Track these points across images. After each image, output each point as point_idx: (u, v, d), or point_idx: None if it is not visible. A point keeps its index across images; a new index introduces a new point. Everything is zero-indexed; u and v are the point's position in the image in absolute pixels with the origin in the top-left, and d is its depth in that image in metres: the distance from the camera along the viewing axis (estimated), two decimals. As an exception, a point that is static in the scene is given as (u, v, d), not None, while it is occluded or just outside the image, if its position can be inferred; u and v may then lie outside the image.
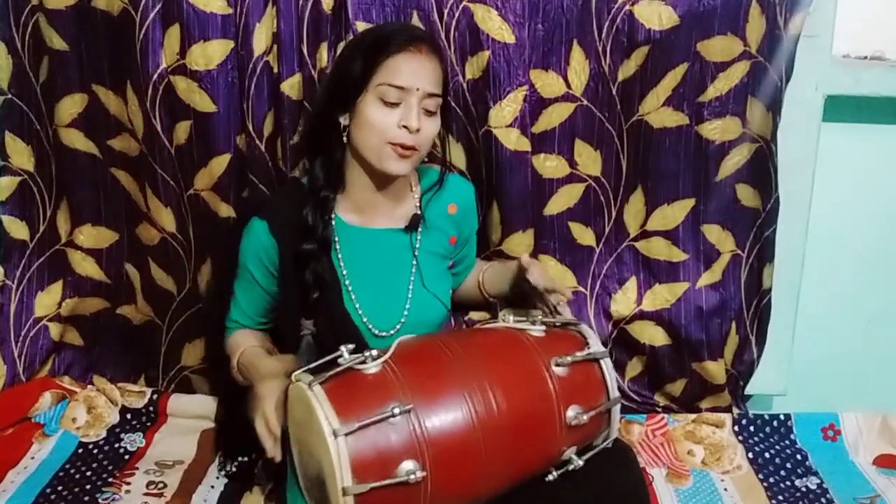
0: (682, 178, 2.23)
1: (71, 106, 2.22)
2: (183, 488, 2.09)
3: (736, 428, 2.37)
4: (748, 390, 2.42)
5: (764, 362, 2.39)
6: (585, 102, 2.16)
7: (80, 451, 2.25)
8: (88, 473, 2.16)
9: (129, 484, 2.10)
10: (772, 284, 2.31)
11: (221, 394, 2.32)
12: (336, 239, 1.91)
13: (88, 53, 2.17)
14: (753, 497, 2.17)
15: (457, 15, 2.07)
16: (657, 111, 2.16)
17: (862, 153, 2.40)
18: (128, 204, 2.31)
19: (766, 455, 2.31)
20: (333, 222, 1.91)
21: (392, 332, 1.92)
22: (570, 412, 1.65)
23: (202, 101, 2.10)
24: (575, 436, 1.68)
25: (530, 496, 1.69)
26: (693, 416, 2.37)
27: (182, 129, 2.13)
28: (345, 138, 1.86)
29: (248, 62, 2.08)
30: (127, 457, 2.23)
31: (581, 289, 2.33)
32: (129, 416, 2.37)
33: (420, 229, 1.98)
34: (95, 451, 2.25)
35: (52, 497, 2.06)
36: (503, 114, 2.11)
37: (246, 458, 2.14)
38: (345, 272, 1.91)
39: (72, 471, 2.17)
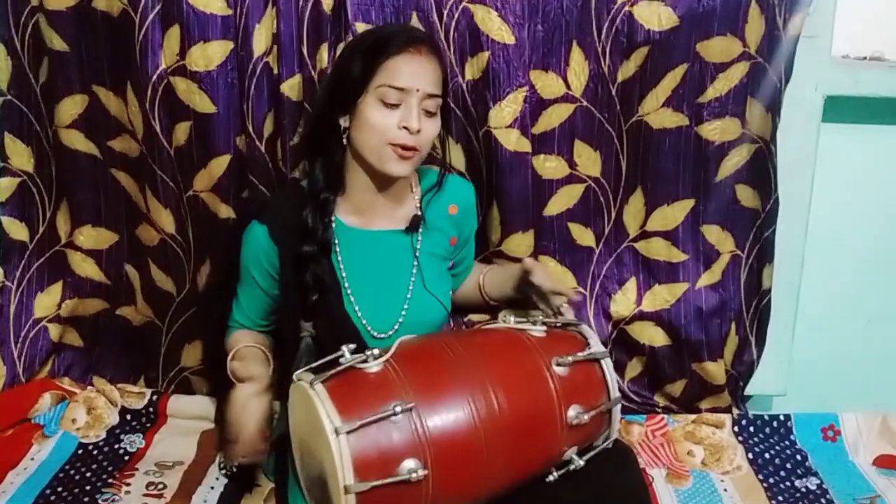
0: (681, 178, 2.23)
1: (71, 107, 2.21)
2: (183, 489, 2.08)
3: (736, 428, 2.37)
4: (748, 391, 2.42)
5: (764, 363, 2.39)
6: (585, 103, 2.16)
7: (80, 452, 2.25)
8: (88, 474, 2.15)
9: (128, 485, 2.09)
10: (771, 285, 2.31)
11: (221, 394, 2.30)
12: (336, 241, 1.91)
13: (89, 54, 2.17)
14: (753, 497, 2.16)
15: (456, 16, 2.07)
16: (657, 112, 2.16)
17: (861, 154, 2.41)
18: (128, 205, 2.31)
19: (766, 455, 2.31)
20: (333, 224, 1.91)
21: (390, 333, 1.92)
22: (571, 412, 1.65)
23: (202, 102, 2.10)
24: (576, 435, 1.69)
25: (531, 496, 1.70)
26: (693, 416, 2.37)
27: (181, 130, 2.13)
28: (345, 140, 1.86)
29: (247, 63, 2.07)
30: (127, 458, 2.22)
31: (581, 289, 2.33)
32: (128, 417, 2.36)
33: (421, 230, 1.97)
34: (95, 452, 2.25)
35: (52, 498, 2.05)
36: (503, 114, 2.11)
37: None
38: (344, 274, 1.91)
39: (71, 472, 2.16)
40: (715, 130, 2.16)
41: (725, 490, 2.19)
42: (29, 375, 2.39)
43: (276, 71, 2.10)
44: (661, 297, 2.32)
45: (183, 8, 2.03)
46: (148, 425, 2.35)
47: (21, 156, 2.30)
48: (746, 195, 2.24)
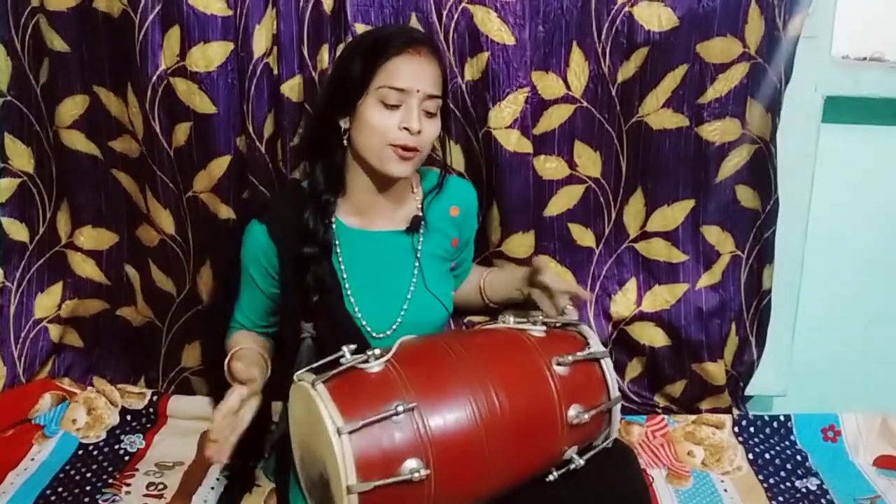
0: (681, 179, 2.23)
1: (72, 107, 2.22)
2: (183, 489, 2.08)
3: (736, 429, 2.37)
4: (748, 391, 2.43)
5: (764, 363, 2.39)
6: (585, 104, 2.16)
7: (80, 452, 2.25)
8: (88, 475, 2.15)
9: (128, 485, 2.10)
10: (771, 285, 2.32)
11: (218, 395, 2.29)
12: (337, 242, 1.91)
13: (90, 55, 2.17)
14: (753, 498, 2.17)
15: (455, 17, 2.07)
16: (657, 113, 2.16)
17: (861, 154, 2.41)
18: (128, 205, 2.31)
19: (766, 456, 2.31)
20: (334, 226, 1.91)
21: (388, 332, 1.92)
22: (572, 411, 1.65)
23: (202, 103, 2.10)
24: (576, 435, 1.69)
25: (531, 496, 1.69)
26: (693, 416, 2.38)
27: (181, 131, 2.13)
28: (345, 141, 1.86)
29: (247, 64, 2.08)
30: (127, 458, 2.23)
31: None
32: (129, 417, 2.37)
33: (422, 231, 1.98)
34: (95, 452, 2.25)
35: (52, 498, 2.05)
36: (503, 115, 2.12)
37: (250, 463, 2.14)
38: (345, 275, 1.91)
39: (72, 472, 2.16)
40: (715, 131, 2.16)
41: (725, 490, 2.19)
42: (29, 376, 2.40)
43: (276, 72, 2.10)
44: (662, 297, 2.33)
45: (183, 9, 2.03)
46: (148, 426, 2.35)
47: (21, 156, 2.30)
48: (746, 196, 2.25)
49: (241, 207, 2.20)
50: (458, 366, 1.64)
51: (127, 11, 2.05)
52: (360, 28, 2.07)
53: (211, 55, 2.07)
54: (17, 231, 2.34)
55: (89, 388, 2.42)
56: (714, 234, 2.27)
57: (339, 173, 1.90)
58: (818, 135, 2.27)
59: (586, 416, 1.66)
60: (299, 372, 1.63)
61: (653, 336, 2.34)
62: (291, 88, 2.11)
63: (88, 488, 2.08)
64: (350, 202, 1.93)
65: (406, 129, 1.79)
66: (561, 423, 1.65)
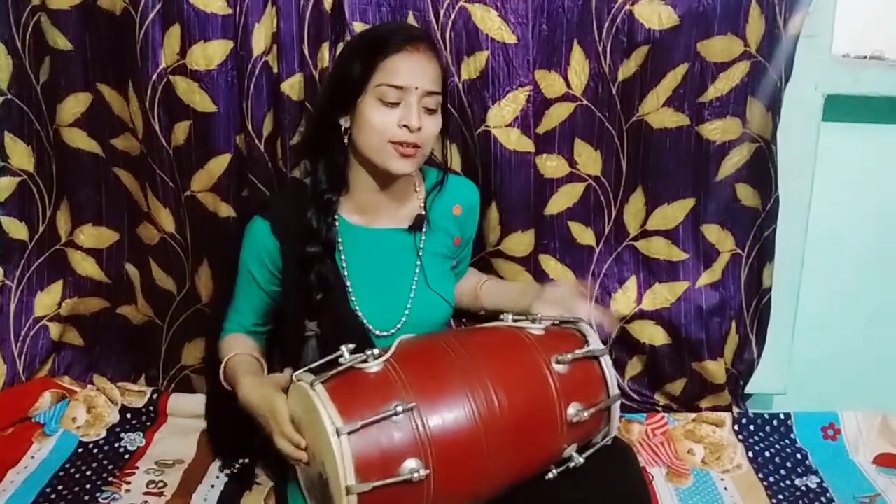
0: (681, 177, 2.23)
1: (74, 105, 2.22)
2: (183, 488, 2.08)
3: (736, 427, 2.37)
4: (748, 389, 2.43)
5: (764, 361, 2.39)
6: (585, 102, 2.16)
7: (80, 450, 2.24)
8: (88, 473, 2.15)
9: (129, 483, 2.09)
10: (772, 284, 2.32)
11: (211, 396, 2.27)
12: (339, 240, 1.91)
13: (93, 52, 2.18)
14: (753, 496, 2.16)
15: (453, 15, 2.07)
16: (657, 112, 2.16)
17: (861, 153, 2.41)
18: (129, 203, 2.31)
19: (766, 454, 2.31)
20: (337, 223, 1.91)
21: (393, 331, 1.92)
22: (571, 409, 1.66)
23: (202, 101, 2.10)
24: (576, 433, 1.69)
25: (531, 494, 1.70)
26: (693, 415, 2.38)
27: (181, 130, 2.13)
28: (346, 140, 1.86)
29: (247, 62, 2.08)
30: (127, 456, 2.22)
31: (581, 288, 2.32)
32: (129, 415, 2.36)
33: (424, 230, 1.98)
34: (95, 450, 2.25)
35: (52, 496, 2.05)
36: (503, 113, 2.12)
37: (246, 461, 2.14)
38: (347, 273, 1.91)
39: (72, 470, 2.16)
40: (716, 130, 2.16)
41: (725, 489, 2.19)
42: (29, 374, 2.39)
43: (275, 70, 2.10)
44: (662, 295, 2.32)
45: (183, 7, 2.03)
46: (148, 424, 2.35)
47: (21, 155, 2.30)
48: (747, 194, 2.25)
49: (240, 206, 2.20)
50: (458, 365, 1.64)
51: (128, 9, 2.05)
52: (357, 26, 2.07)
53: (211, 53, 2.07)
54: (17, 230, 2.34)
55: (89, 386, 2.42)
56: (714, 233, 2.27)
57: (342, 172, 1.90)
58: (818, 133, 2.27)
59: (585, 414, 1.66)
60: (298, 372, 1.63)
61: (653, 334, 2.34)
62: (291, 87, 2.10)
63: (88, 486, 2.08)
64: (352, 200, 1.93)
65: (406, 126, 1.79)
66: (560, 422, 1.65)
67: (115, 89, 2.20)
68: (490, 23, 2.06)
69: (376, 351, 1.62)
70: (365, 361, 1.60)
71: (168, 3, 2.04)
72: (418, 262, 1.97)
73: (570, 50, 2.12)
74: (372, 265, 1.94)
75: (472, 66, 2.10)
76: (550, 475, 1.69)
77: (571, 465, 1.69)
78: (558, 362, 1.68)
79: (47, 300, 2.40)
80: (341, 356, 1.60)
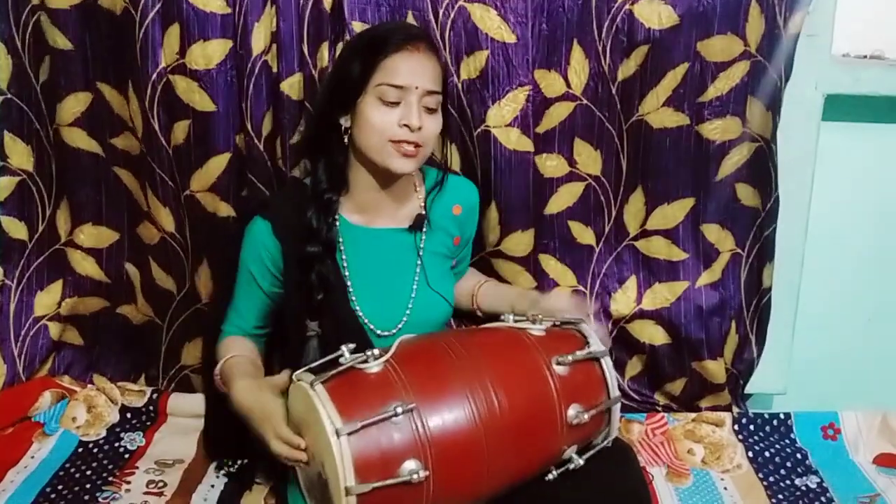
0: (681, 177, 2.23)
1: (74, 105, 2.21)
2: (183, 487, 2.09)
3: (736, 427, 2.37)
4: (748, 389, 2.43)
5: (764, 361, 2.39)
6: (585, 102, 2.16)
7: (80, 450, 2.25)
8: (88, 472, 2.15)
9: (129, 483, 2.10)
10: (771, 283, 2.32)
11: (210, 396, 2.27)
12: (340, 239, 1.91)
13: (93, 52, 2.17)
14: (753, 496, 2.17)
15: (452, 15, 2.07)
16: (657, 111, 2.16)
17: (861, 152, 2.41)
18: (129, 203, 2.31)
19: (766, 454, 2.31)
20: (337, 223, 1.91)
21: (394, 331, 1.92)
22: (571, 411, 1.66)
23: (202, 101, 2.10)
24: (576, 435, 1.69)
25: (531, 495, 1.70)
26: (693, 415, 2.38)
27: (180, 129, 2.13)
28: (346, 140, 1.86)
29: (246, 62, 2.07)
30: (127, 456, 2.22)
31: (581, 288, 2.33)
32: (129, 415, 2.36)
33: (424, 229, 1.98)
34: (95, 450, 2.25)
35: (52, 496, 2.05)
36: (502, 113, 2.11)
37: (246, 461, 2.14)
38: (347, 272, 1.91)
39: (72, 470, 2.16)
40: (716, 129, 2.16)
41: (725, 488, 2.19)
42: (29, 374, 2.39)
43: (275, 69, 2.09)
44: (662, 295, 2.32)
45: (183, 6, 2.03)
46: (148, 423, 2.35)
47: (21, 155, 2.30)
48: (746, 194, 2.25)
49: (240, 205, 2.19)
50: (458, 365, 1.64)
51: (128, 9, 2.05)
52: (357, 26, 2.06)
53: (210, 53, 2.07)
54: (17, 229, 2.34)
55: (89, 385, 2.42)
56: (714, 233, 2.27)
57: (342, 172, 1.90)
58: (818, 133, 2.27)
59: (586, 415, 1.66)
60: (298, 372, 1.63)
61: (653, 334, 2.34)
62: (291, 86, 2.10)
63: (88, 486, 2.08)
64: (353, 200, 1.93)
65: (406, 125, 1.79)
66: (560, 423, 1.65)
67: (115, 89, 2.20)
68: (489, 22, 2.06)
69: (376, 351, 1.62)
70: (365, 361, 1.60)
71: (168, 2, 2.04)
72: (419, 262, 1.97)
73: (569, 49, 2.11)
74: (372, 265, 1.94)
75: (471, 66, 2.10)
76: (550, 476, 1.69)
77: (571, 466, 1.69)
78: (559, 363, 1.68)
79: (47, 300, 2.40)
80: (341, 356, 1.60)
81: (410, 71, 1.79)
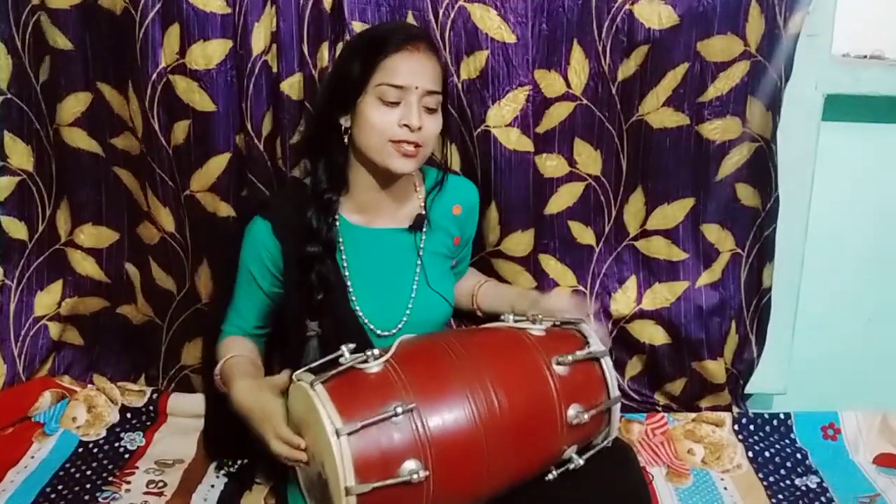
0: (681, 177, 2.23)
1: (74, 105, 2.21)
2: (183, 487, 2.09)
3: (736, 427, 2.37)
4: (748, 389, 2.43)
5: (764, 361, 2.39)
6: (585, 102, 2.16)
7: (80, 450, 2.25)
8: (88, 472, 2.15)
9: (129, 483, 2.10)
10: (771, 283, 2.32)
11: (210, 397, 2.27)
12: (340, 239, 1.91)
13: (93, 52, 2.17)
14: (753, 496, 2.17)
15: (452, 15, 2.07)
16: (657, 111, 2.16)
17: (861, 152, 2.41)
18: (129, 203, 2.31)
19: (766, 454, 2.31)
20: (338, 223, 1.91)
21: (394, 330, 1.92)
22: (572, 411, 1.66)
23: (202, 101, 2.10)
24: (576, 435, 1.69)
25: (531, 495, 1.70)
26: (693, 415, 2.37)
27: (180, 129, 2.13)
28: (346, 140, 1.86)
29: (246, 62, 2.07)
30: (127, 456, 2.22)
31: (581, 288, 2.33)
32: (129, 415, 2.36)
33: (424, 229, 1.98)
34: (95, 450, 2.25)
35: (52, 496, 2.05)
36: (502, 113, 2.11)
37: (246, 461, 2.14)
38: (347, 272, 1.91)
39: (72, 470, 2.16)
40: (716, 129, 2.16)
41: (725, 488, 2.19)
42: (29, 374, 2.39)
43: (275, 69, 2.09)
44: (662, 295, 2.32)
45: (183, 6, 2.03)
46: (148, 423, 2.35)
47: (21, 155, 2.30)
48: (746, 194, 2.25)
49: (240, 205, 2.19)
50: (458, 365, 1.64)
51: (128, 9, 2.05)
52: (357, 26, 2.06)
53: (210, 53, 2.07)
54: (17, 229, 2.34)
55: (89, 385, 2.42)
56: (714, 233, 2.27)
57: (342, 172, 1.90)
58: (818, 133, 2.27)
59: (586, 416, 1.66)
60: (298, 371, 1.63)
61: (653, 334, 2.34)
62: (291, 86, 2.10)
63: (88, 486, 2.08)
64: (353, 200, 1.93)
65: (406, 125, 1.79)
66: (560, 423, 1.65)
67: (115, 89, 2.20)
68: (489, 22, 2.06)
69: (376, 351, 1.62)
70: (365, 361, 1.60)
71: (168, 2, 2.03)
72: (419, 262, 1.97)
73: (569, 49, 2.11)
74: (372, 265, 1.94)
75: (471, 66, 2.10)
76: (550, 476, 1.69)
77: (571, 466, 1.69)
78: (559, 364, 1.68)
79: (47, 300, 2.40)
80: (341, 356, 1.60)
81: (410, 71, 1.79)
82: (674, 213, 2.25)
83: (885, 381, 2.57)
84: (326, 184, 1.88)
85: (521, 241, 2.23)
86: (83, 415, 2.34)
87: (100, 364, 2.44)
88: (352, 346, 1.61)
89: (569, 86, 2.14)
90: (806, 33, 2.13)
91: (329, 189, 1.88)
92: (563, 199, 2.24)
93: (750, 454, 2.31)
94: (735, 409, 2.39)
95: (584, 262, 2.32)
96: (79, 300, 2.40)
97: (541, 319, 1.78)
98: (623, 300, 2.34)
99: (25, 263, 2.37)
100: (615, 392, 1.73)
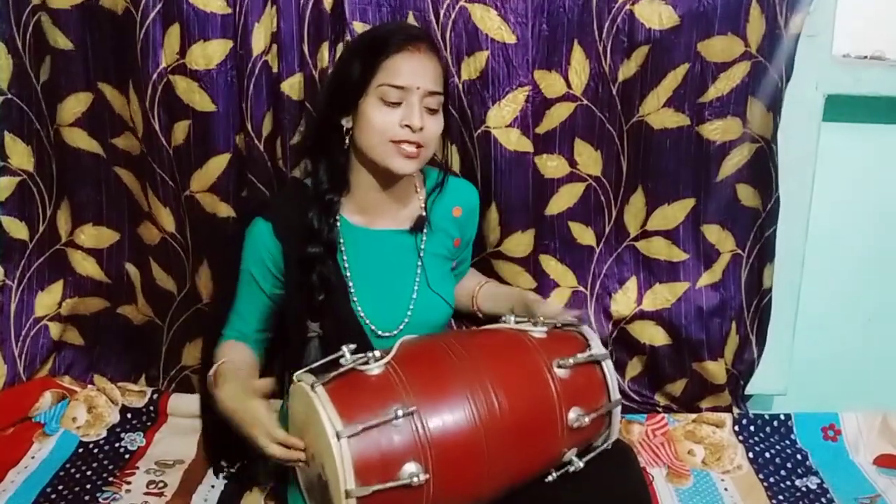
0: (682, 178, 2.23)
1: (75, 105, 2.21)
2: (183, 488, 2.08)
3: (736, 428, 2.37)
4: (748, 390, 2.43)
5: (764, 362, 2.39)
6: (585, 102, 2.16)
7: (81, 450, 2.25)
8: (89, 473, 2.15)
9: (129, 483, 2.10)
10: (772, 284, 2.31)
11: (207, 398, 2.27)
12: (341, 240, 1.91)
13: (93, 52, 2.17)
14: (754, 497, 2.17)
15: (453, 15, 2.07)
16: (657, 112, 2.15)
17: (862, 153, 2.41)
18: (130, 203, 2.31)
19: (767, 455, 2.31)
20: (339, 224, 1.91)
21: (395, 332, 1.92)
22: (572, 414, 1.66)
23: (202, 101, 2.10)
24: (576, 437, 1.69)
25: (531, 497, 1.70)
26: (693, 415, 2.37)
27: (180, 129, 2.13)
28: (347, 141, 1.86)
29: (246, 62, 2.07)
30: (127, 456, 2.22)
31: (581, 288, 2.33)
32: (129, 415, 2.36)
33: (425, 231, 1.98)
34: (96, 450, 2.25)
35: (53, 496, 2.05)
36: (502, 114, 2.11)
37: (246, 461, 2.14)
38: (348, 273, 1.91)
39: (72, 470, 2.16)
40: (716, 130, 2.15)
41: (726, 489, 2.19)
42: (29, 374, 2.39)
43: (275, 70, 2.09)
44: (662, 296, 2.32)
45: (183, 7, 2.03)
46: (148, 424, 2.34)
47: (21, 155, 2.29)
48: (747, 194, 2.24)
49: (240, 206, 2.19)
50: (459, 368, 1.64)
51: (129, 9, 2.05)
52: (357, 26, 2.06)
53: (210, 53, 2.06)
54: (17, 229, 2.34)
55: (90, 386, 2.41)
56: (714, 233, 2.27)
57: (343, 172, 1.90)
58: (819, 133, 2.27)
59: (586, 419, 1.66)
60: (298, 372, 1.63)
61: (653, 335, 2.34)
62: (291, 86, 2.10)
63: (89, 486, 2.08)
64: (354, 201, 1.93)
65: (408, 126, 1.79)
66: (561, 426, 1.65)
67: (115, 89, 2.20)
68: (490, 23, 2.06)
69: (377, 353, 1.62)
70: (366, 363, 1.60)
71: (168, 2, 2.03)
72: (419, 264, 1.97)
73: (570, 50, 2.11)
74: (373, 266, 1.94)
75: (471, 67, 2.09)
76: (550, 478, 1.69)
77: (571, 469, 1.69)
78: (560, 366, 1.68)
79: (47, 300, 2.40)
80: (342, 356, 1.60)
81: (412, 71, 1.79)
82: (674, 213, 2.25)
83: (886, 381, 2.57)
84: (327, 184, 1.88)
85: (521, 242, 2.23)
86: (83, 415, 2.34)
87: (100, 364, 2.44)
88: (353, 346, 1.61)
89: (569, 86, 2.14)
90: (806, 34, 2.13)
91: (330, 190, 1.88)
92: (563, 199, 2.24)
93: (750, 455, 2.31)
94: (735, 410, 2.39)
95: (585, 262, 2.32)
96: (79, 300, 2.40)
97: (542, 321, 1.78)
98: (623, 301, 2.34)
99: (26, 263, 2.36)
100: (616, 395, 1.73)
